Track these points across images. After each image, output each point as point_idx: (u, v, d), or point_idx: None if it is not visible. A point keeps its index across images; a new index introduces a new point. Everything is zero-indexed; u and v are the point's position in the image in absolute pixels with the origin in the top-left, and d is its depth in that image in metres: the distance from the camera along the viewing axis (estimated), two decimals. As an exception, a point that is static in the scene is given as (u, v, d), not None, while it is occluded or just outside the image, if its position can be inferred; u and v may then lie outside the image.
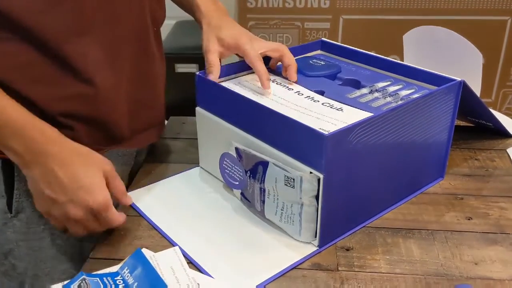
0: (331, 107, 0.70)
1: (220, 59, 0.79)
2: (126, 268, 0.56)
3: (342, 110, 0.69)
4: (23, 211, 0.70)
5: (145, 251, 0.61)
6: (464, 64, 0.91)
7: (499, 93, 1.72)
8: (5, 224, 0.70)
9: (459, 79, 0.74)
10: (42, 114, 0.65)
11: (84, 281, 0.53)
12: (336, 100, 0.72)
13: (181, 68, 2.02)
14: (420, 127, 0.72)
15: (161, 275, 0.57)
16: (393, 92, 0.74)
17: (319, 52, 0.91)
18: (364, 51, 0.85)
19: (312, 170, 0.62)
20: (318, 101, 0.72)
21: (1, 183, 0.69)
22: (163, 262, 0.59)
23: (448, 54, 1.01)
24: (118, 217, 0.64)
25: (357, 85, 0.78)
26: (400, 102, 0.71)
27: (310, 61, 0.85)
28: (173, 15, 1.57)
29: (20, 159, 0.61)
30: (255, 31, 1.66)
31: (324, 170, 0.61)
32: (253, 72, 0.77)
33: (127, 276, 0.56)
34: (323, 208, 0.63)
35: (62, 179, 0.60)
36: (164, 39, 0.83)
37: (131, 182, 0.81)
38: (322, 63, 0.84)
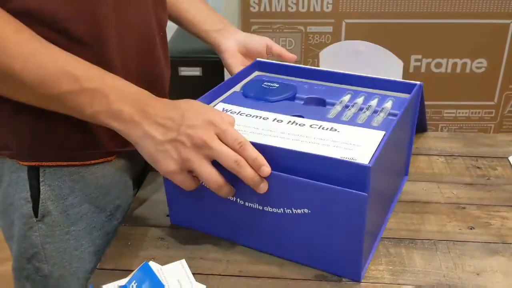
0: (323, 129, 0.69)
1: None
2: (134, 281, 0.58)
3: (337, 130, 0.69)
4: (48, 215, 0.71)
5: (152, 264, 0.62)
6: (385, 71, 0.93)
7: (502, 96, 1.72)
8: (30, 228, 0.72)
9: (419, 82, 0.77)
10: (72, 118, 0.65)
11: (93, 295, 0.55)
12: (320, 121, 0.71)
13: (185, 71, 2.03)
14: (403, 136, 0.75)
15: (168, 289, 0.58)
16: (364, 105, 0.75)
17: (257, 73, 0.88)
18: (301, 65, 0.84)
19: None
20: (304, 125, 0.70)
21: (27, 190, 0.70)
22: (170, 275, 0.61)
23: (369, 65, 1.03)
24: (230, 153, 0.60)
25: (322, 103, 0.77)
26: (382, 115, 0.72)
27: (263, 85, 0.81)
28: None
29: (128, 123, 0.61)
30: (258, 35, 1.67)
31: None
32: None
33: (135, 290, 0.57)
34: None
35: (169, 115, 0.61)
36: (168, 43, 0.84)
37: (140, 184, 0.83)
38: (276, 85, 0.81)
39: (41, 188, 0.70)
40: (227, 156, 0.60)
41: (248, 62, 0.92)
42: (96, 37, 0.66)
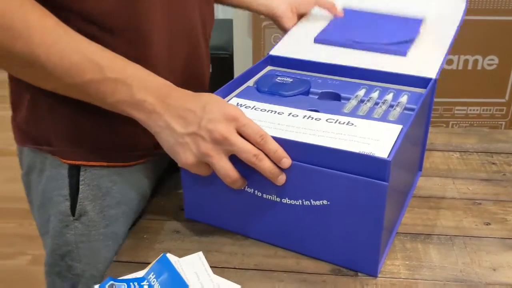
0: (339, 123, 0.69)
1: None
2: (152, 273, 0.58)
3: (354, 125, 0.68)
4: (85, 214, 0.71)
5: (170, 256, 0.62)
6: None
7: (513, 94, 1.72)
8: (66, 226, 0.71)
9: (434, 77, 0.76)
10: (114, 119, 0.66)
11: (113, 286, 0.55)
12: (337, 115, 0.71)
13: (195, 67, 2.04)
14: (419, 131, 0.74)
15: (186, 281, 0.58)
16: (379, 99, 0.75)
17: (269, 68, 0.87)
18: (315, 60, 0.84)
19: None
20: (320, 119, 0.70)
21: (67, 187, 0.70)
22: (188, 267, 0.61)
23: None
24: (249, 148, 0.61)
25: (337, 97, 0.77)
26: (398, 109, 0.72)
27: (277, 80, 0.80)
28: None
29: (150, 113, 0.61)
30: (269, 31, 1.66)
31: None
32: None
33: (153, 282, 0.57)
34: None
35: (190, 107, 0.61)
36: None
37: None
38: (290, 80, 0.80)
39: (80, 187, 0.70)
40: (247, 151, 0.60)
41: None
42: (137, 32, 0.66)
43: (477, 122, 1.77)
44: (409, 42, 0.84)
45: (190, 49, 0.75)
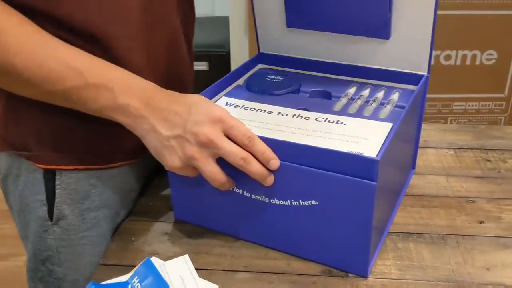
0: (329, 122, 0.68)
1: None
2: (136, 277, 0.57)
3: (343, 123, 0.67)
4: (64, 218, 0.70)
5: (154, 260, 0.61)
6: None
7: (512, 89, 1.70)
8: (45, 231, 0.71)
9: (426, 74, 0.74)
10: (92, 122, 0.65)
11: (94, 292, 0.54)
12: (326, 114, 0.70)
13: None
14: (411, 129, 0.73)
15: (170, 285, 0.57)
16: (370, 97, 0.74)
17: (260, 66, 0.86)
18: (305, 58, 0.82)
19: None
20: (310, 118, 0.69)
21: (43, 192, 0.69)
22: (173, 271, 0.60)
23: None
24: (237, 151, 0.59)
25: (327, 95, 0.76)
26: (389, 107, 0.71)
27: (267, 78, 0.79)
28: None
29: (135, 117, 0.60)
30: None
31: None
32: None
33: (137, 286, 0.56)
34: None
35: (175, 109, 0.60)
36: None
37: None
38: (280, 78, 0.79)
39: (56, 191, 0.69)
40: (234, 154, 0.59)
41: None
42: (114, 38, 0.64)
43: (476, 118, 1.75)
44: (387, 20, 0.76)
45: (171, 52, 0.73)
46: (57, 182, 0.69)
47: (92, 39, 0.62)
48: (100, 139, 0.69)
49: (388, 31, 0.77)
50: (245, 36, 1.77)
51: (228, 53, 1.92)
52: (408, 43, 0.75)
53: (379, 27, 0.77)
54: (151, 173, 0.83)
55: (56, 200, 0.69)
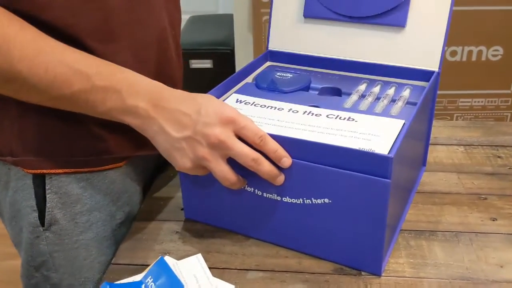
0: (340, 119, 0.67)
1: None
2: (150, 277, 0.56)
3: (354, 120, 0.67)
4: (56, 223, 0.69)
5: (168, 259, 0.61)
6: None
7: (518, 85, 1.69)
8: (37, 237, 0.70)
9: (437, 70, 0.74)
10: (78, 123, 0.65)
11: (108, 291, 0.54)
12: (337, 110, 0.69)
13: (196, 64, 2.02)
14: (422, 126, 0.72)
15: (184, 284, 0.57)
16: (381, 94, 0.73)
17: (269, 63, 0.85)
18: (314, 55, 0.81)
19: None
20: (321, 115, 0.68)
21: (33, 198, 0.68)
22: (186, 270, 0.59)
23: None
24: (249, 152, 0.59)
25: (337, 92, 0.76)
26: (400, 104, 0.70)
27: (276, 76, 0.79)
28: (187, 9, 1.55)
29: (144, 118, 0.60)
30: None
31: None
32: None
33: (151, 286, 0.56)
34: None
35: (185, 110, 0.59)
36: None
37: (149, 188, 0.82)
38: (290, 75, 0.79)
39: (47, 196, 0.68)
40: (245, 155, 0.59)
41: None
42: (102, 42, 0.64)
43: (482, 114, 1.75)
44: (405, 4, 0.76)
45: (159, 53, 0.72)
46: (47, 187, 0.68)
47: (78, 43, 0.61)
48: (84, 141, 0.68)
49: (405, 16, 0.76)
50: (249, 33, 1.76)
51: (233, 50, 1.92)
52: (422, 36, 0.75)
53: (396, 13, 0.76)
54: (156, 171, 0.82)
55: (48, 205, 0.68)
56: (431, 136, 0.81)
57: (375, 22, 0.78)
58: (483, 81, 1.69)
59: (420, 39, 0.75)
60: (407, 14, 0.76)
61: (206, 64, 2.03)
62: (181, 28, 0.83)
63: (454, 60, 1.66)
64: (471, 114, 1.75)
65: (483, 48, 1.64)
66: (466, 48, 1.64)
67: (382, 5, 0.76)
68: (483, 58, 1.66)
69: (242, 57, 1.83)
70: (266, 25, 1.69)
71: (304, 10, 0.81)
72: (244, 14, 1.77)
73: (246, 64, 0.81)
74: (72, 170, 0.68)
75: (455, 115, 1.74)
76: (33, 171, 0.67)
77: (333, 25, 0.80)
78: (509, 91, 1.71)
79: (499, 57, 1.65)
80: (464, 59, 1.66)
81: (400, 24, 0.76)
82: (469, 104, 1.73)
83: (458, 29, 1.60)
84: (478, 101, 1.73)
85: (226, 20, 2.17)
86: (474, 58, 1.66)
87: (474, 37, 1.63)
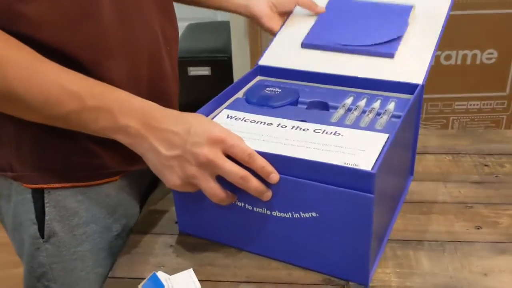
0: (326, 133, 0.69)
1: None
2: (143, 292, 0.59)
3: (340, 135, 0.69)
4: (54, 236, 0.72)
5: (160, 274, 0.63)
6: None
7: (513, 87, 1.71)
8: (37, 249, 0.73)
9: (421, 83, 0.76)
10: (73, 140, 0.67)
11: (103, 307, 0.56)
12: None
13: (194, 71, 2.04)
14: (407, 138, 0.75)
15: (176, 298, 0.59)
16: (367, 108, 0.76)
17: (259, 78, 0.87)
18: (303, 69, 0.84)
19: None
20: (308, 129, 0.70)
21: (32, 211, 0.71)
22: (178, 284, 0.61)
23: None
24: (237, 170, 0.61)
25: (325, 106, 0.78)
26: (385, 117, 0.73)
27: (266, 91, 0.81)
28: (185, 16, 1.55)
29: (135, 137, 0.62)
30: (266, 33, 1.66)
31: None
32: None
33: (144, 300, 0.58)
34: None
35: (175, 129, 0.61)
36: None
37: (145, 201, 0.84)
38: (279, 90, 0.81)
39: (46, 209, 0.71)
40: (233, 173, 0.61)
41: (283, 19, 0.95)
42: (102, 58, 0.66)
43: (478, 117, 1.76)
44: (397, 40, 0.83)
45: (153, 69, 0.74)
46: (46, 201, 0.71)
47: (73, 60, 0.63)
48: (79, 157, 0.70)
49: (396, 48, 0.82)
50: (246, 40, 1.78)
51: (230, 58, 1.94)
52: (409, 61, 0.80)
53: (386, 49, 0.83)
54: (152, 185, 0.85)
55: (46, 217, 0.71)
56: (420, 144, 0.83)
57: (367, 51, 0.83)
58: (478, 84, 1.71)
59: (407, 64, 0.80)
60: (398, 46, 0.81)
61: (204, 71, 2.05)
62: (179, 35, 0.84)
63: (449, 64, 1.67)
64: (467, 117, 1.76)
65: (477, 51, 1.66)
66: (461, 52, 1.66)
67: (378, 38, 0.83)
68: (478, 62, 1.67)
69: (239, 64, 1.85)
70: (262, 33, 1.71)
71: (303, 40, 0.87)
72: (241, 22, 1.79)
73: (244, 71, 0.83)
74: (69, 184, 0.71)
75: (451, 118, 1.76)
76: (32, 186, 0.70)
77: (327, 52, 0.86)
78: (504, 94, 1.72)
79: (494, 60, 1.67)
80: (459, 62, 1.67)
81: (390, 55, 0.81)
82: (464, 107, 1.74)
83: (453, 34, 1.62)
84: (474, 104, 1.74)
85: (224, 27, 2.19)
86: (468, 61, 1.67)
87: (469, 41, 1.64)
